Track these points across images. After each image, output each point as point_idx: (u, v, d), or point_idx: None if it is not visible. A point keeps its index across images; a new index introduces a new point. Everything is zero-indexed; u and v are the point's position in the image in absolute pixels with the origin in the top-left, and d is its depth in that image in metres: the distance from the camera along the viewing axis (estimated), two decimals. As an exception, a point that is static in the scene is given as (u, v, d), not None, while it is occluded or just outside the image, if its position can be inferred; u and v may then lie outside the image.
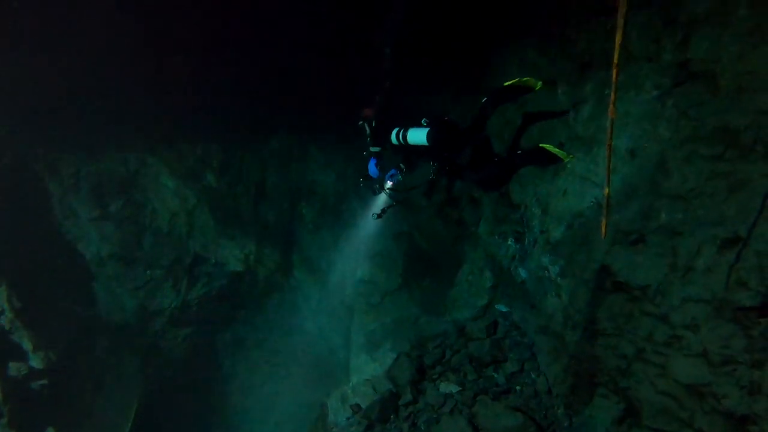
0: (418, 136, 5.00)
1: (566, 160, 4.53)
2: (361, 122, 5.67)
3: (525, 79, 4.82)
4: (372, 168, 5.57)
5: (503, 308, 5.21)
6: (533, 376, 4.40)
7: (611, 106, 2.41)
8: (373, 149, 5.52)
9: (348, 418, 4.87)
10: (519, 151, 5.16)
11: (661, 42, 3.60)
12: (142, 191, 6.79)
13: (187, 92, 6.94)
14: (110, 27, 5.78)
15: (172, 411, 7.22)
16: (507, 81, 4.84)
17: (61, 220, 6.17)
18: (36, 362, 5.25)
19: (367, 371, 6.61)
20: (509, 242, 5.09)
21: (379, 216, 5.58)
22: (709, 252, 2.94)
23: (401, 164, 5.45)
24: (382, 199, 5.79)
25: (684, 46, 3.40)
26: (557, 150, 4.63)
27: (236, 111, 7.34)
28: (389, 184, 5.54)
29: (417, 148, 5.12)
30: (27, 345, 5.27)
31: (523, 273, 4.79)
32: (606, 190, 2.74)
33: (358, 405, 4.88)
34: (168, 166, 6.94)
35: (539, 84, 4.80)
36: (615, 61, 2.20)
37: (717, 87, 3.11)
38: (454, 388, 4.55)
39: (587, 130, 4.33)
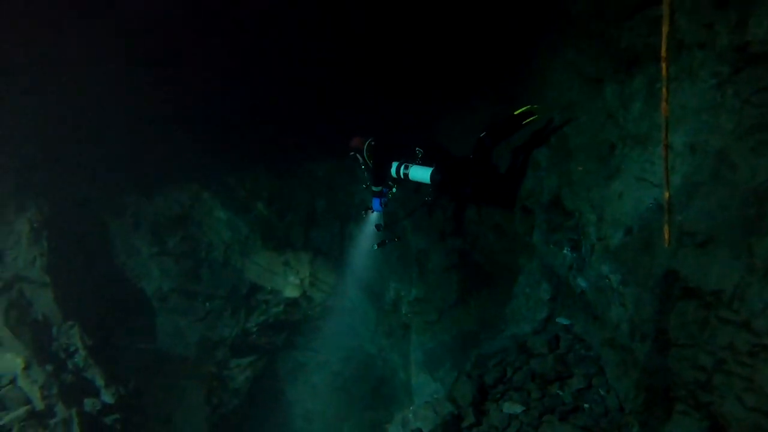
0: (421, 175, 5.26)
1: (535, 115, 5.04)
2: (352, 153, 5.92)
3: (535, 106, 5.19)
4: (377, 206, 5.76)
5: (564, 321, 4.96)
6: (602, 392, 4.12)
7: (663, 103, 2.23)
8: (375, 188, 5.71)
9: (410, 443, 4.75)
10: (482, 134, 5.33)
11: (715, 26, 3.35)
12: (197, 225, 7.01)
13: (232, 126, 7.17)
14: (155, 66, 6.07)
15: (239, 440, 7.32)
16: (516, 110, 5.18)
17: (123, 258, 6.46)
18: (108, 397, 5.45)
19: (429, 391, 6.47)
20: (565, 251, 4.86)
21: (379, 245, 5.91)
22: (791, 249, 2.66)
23: (389, 182, 5.66)
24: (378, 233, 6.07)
25: (741, 28, 3.14)
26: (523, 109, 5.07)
27: (281, 141, 7.50)
28: (381, 202, 5.76)
29: (418, 183, 5.40)
30: (99, 381, 5.50)
31: (582, 283, 4.55)
32: (666, 194, 2.52)
33: (419, 429, 4.75)
34: (220, 199, 7.15)
35: (538, 114, 5.22)
36: (663, 54, 2.03)
37: (782, 68, 2.86)
38: (518, 409, 4.34)
39: (639, 128, 4.10)
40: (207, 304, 7.01)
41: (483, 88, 6.39)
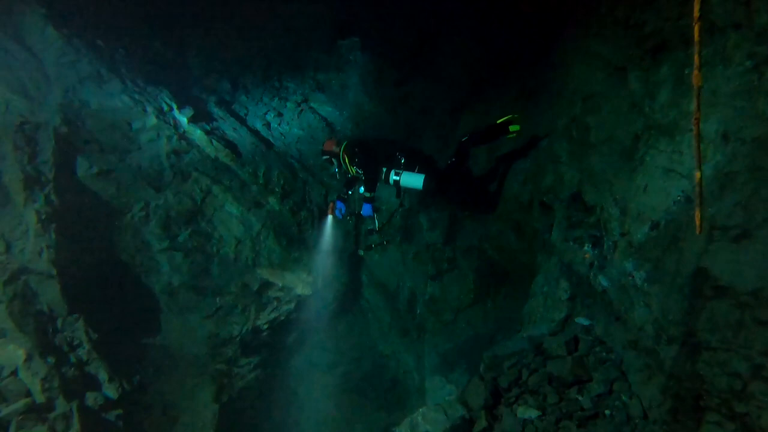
0: (413, 181, 5.47)
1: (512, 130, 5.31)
2: (326, 156, 6.12)
3: (515, 115, 5.38)
4: (368, 211, 5.89)
5: (584, 321, 4.69)
6: (624, 398, 3.86)
7: (695, 71, 1.98)
8: (368, 194, 5.82)
9: (419, 447, 4.53)
10: (464, 138, 5.52)
11: (752, 4, 3.09)
12: (208, 220, 6.90)
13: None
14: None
15: (248, 440, 7.17)
16: (498, 119, 5.41)
17: (132, 252, 6.37)
18: (110, 392, 5.35)
19: (443, 394, 6.28)
20: (586, 248, 4.61)
21: (366, 250, 6.25)
22: (838, 244, 2.40)
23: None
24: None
25: (782, 6, 2.89)
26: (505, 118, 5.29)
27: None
28: (372, 206, 5.94)
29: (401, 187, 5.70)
30: (102, 375, 5.40)
31: (603, 281, 4.29)
32: (697, 174, 2.26)
33: (429, 433, 4.53)
34: (232, 194, 7.02)
35: (517, 127, 5.39)
36: (696, 14, 1.80)
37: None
38: (533, 414, 4.10)
39: (666, 117, 3.84)
40: (217, 300, 6.89)
41: (503, 81, 6.18)
